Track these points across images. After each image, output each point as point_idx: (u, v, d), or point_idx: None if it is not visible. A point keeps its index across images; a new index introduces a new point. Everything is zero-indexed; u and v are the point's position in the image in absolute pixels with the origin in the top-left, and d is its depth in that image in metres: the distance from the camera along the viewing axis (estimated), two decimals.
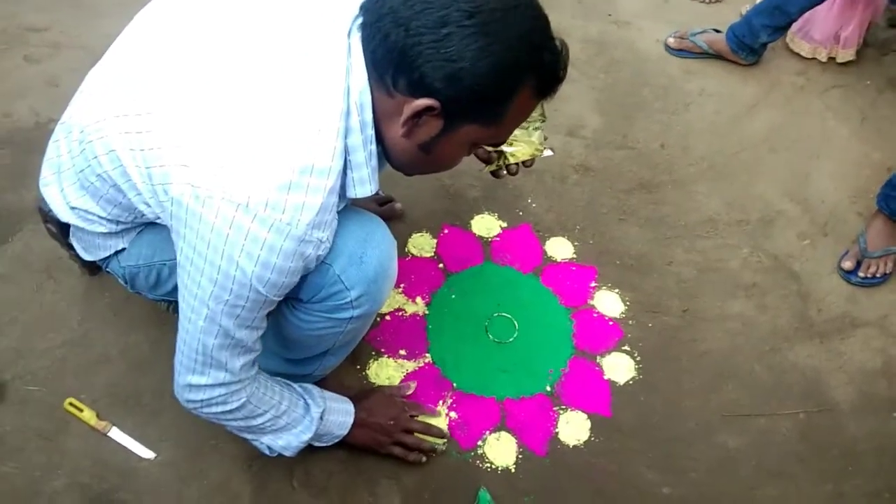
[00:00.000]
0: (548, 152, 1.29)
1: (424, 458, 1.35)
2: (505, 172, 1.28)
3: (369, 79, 0.92)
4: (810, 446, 1.45)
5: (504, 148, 1.24)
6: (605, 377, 1.51)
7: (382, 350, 1.51)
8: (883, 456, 1.44)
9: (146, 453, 1.33)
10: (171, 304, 1.34)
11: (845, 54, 2.21)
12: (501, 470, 1.37)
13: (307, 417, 1.19)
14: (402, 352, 1.51)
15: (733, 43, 2.16)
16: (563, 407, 1.46)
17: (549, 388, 1.48)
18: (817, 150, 2.01)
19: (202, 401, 1.08)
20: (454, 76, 0.87)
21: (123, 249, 1.18)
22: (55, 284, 1.54)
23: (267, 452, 1.22)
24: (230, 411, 1.09)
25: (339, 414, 1.25)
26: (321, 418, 1.20)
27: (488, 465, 1.37)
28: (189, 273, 0.97)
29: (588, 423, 1.44)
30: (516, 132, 1.25)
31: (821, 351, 1.59)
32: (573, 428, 1.43)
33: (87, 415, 1.35)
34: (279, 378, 1.20)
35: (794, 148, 2.01)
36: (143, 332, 1.48)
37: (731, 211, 1.85)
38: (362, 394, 1.37)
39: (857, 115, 2.11)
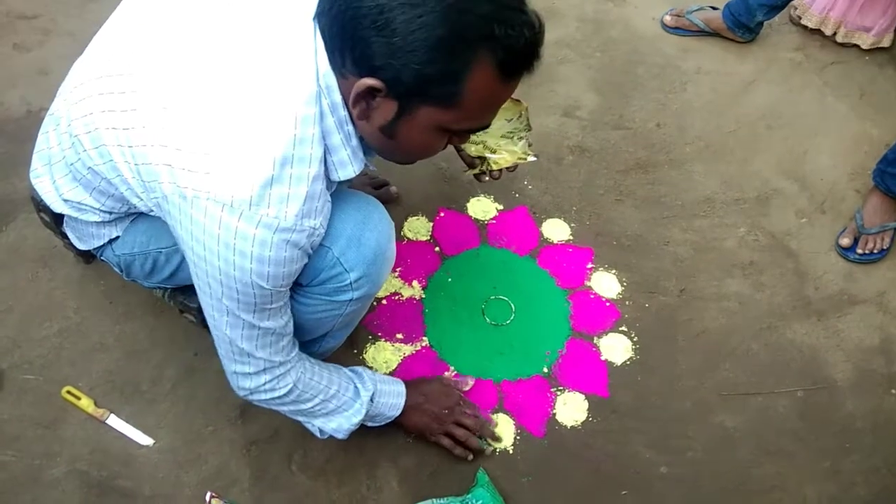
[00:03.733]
0: (531, 158, 1.29)
1: (471, 456, 1.34)
2: (487, 178, 1.29)
3: (328, 60, 0.90)
4: (808, 424, 1.45)
5: (487, 155, 1.25)
6: (603, 358, 1.51)
7: (379, 334, 1.50)
8: (880, 433, 1.44)
9: (144, 440, 1.34)
10: (166, 292, 1.34)
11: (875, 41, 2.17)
12: (499, 451, 1.37)
13: (357, 401, 1.21)
14: (399, 335, 1.51)
15: (730, 21, 2.13)
16: (561, 388, 1.46)
17: (546, 370, 1.48)
18: (815, 128, 1.99)
19: (251, 388, 1.10)
20: (390, 53, 0.83)
21: (117, 238, 1.18)
22: (50, 273, 1.53)
23: (319, 435, 1.24)
24: (279, 397, 1.12)
25: (391, 396, 1.27)
26: (371, 401, 1.22)
27: (486, 446, 1.38)
28: (197, 273, 0.98)
29: (585, 404, 1.44)
30: (500, 141, 1.26)
31: (818, 329, 1.59)
32: (571, 409, 1.43)
33: (85, 402, 1.36)
34: (329, 363, 1.21)
35: (792, 125, 2.00)
36: (140, 320, 1.48)
37: (728, 190, 1.84)
38: (421, 379, 1.38)
39: (855, 92, 2.09)
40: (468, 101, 0.87)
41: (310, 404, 1.16)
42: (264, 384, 1.10)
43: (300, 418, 1.22)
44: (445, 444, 1.34)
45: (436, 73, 0.84)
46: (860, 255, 1.69)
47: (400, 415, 1.29)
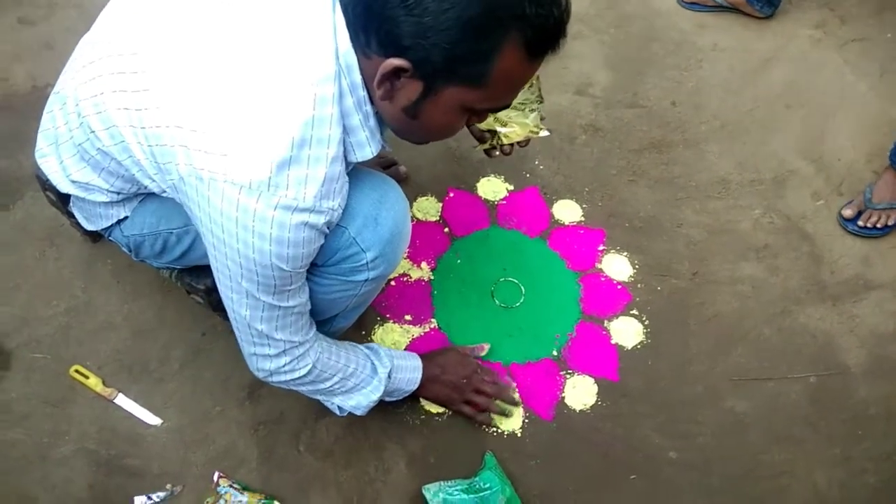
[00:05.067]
0: (544, 133, 1.25)
1: (492, 421, 1.36)
2: (498, 153, 1.26)
3: (350, 38, 0.88)
4: (819, 410, 1.43)
5: (498, 128, 1.22)
6: (613, 341, 1.49)
7: (388, 315, 1.49)
8: (893, 420, 1.43)
9: (152, 420, 1.34)
10: (173, 272, 1.33)
11: None
12: (508, 434, 1.37)
13: (375, 378, 1.21)
14: (408, 317, 1.49)
15: None
16: (570, 371, 1.45)
17: (555, 353, 1.47)
18: (834, 107, 1.95)
19: (271, 370, 1.10)
20: (420, 33, 0.81)
21: (126, 218, 1.17)
22: (57, 252, 1.53)
23: (338, 413, 1.25)
24: (298, 378, 1.12)
25: (407, 371, 1.27)
26: (389, 377, 1.22)
27: (494, 429, 1.37)
28: (215, 255, 0.97)
29: (595, 388, 1.43)
30: (511, 113, 1.22)
31: (832, 314, 1.57)
32: (580, 392, 1.42)
33: (93, 381, 1.36)
34: (344, 342, 1.22)
35: (810, 104, 1.95)
36: (147, 299, 1.48)
37: (743, 171, 1.80)
38: (436, 351, 1.38)
39: (876, 70, 2.04)
40: (495, 81, 0.86)
41: (329, 383, 1.17)
42: (284, 365, 1.10)
43: (319, 397, 1.22)
44: (467, 411, 1.35)
45: (466, 52, 0.83)
46: (860, 227, 1.66)
47: (419, 388, 1.30)
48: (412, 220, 1.62)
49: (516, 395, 1.40)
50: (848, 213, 1.68)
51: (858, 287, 1.61)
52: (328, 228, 0.98)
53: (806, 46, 2.09)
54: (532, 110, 1.24)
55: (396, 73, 0.86)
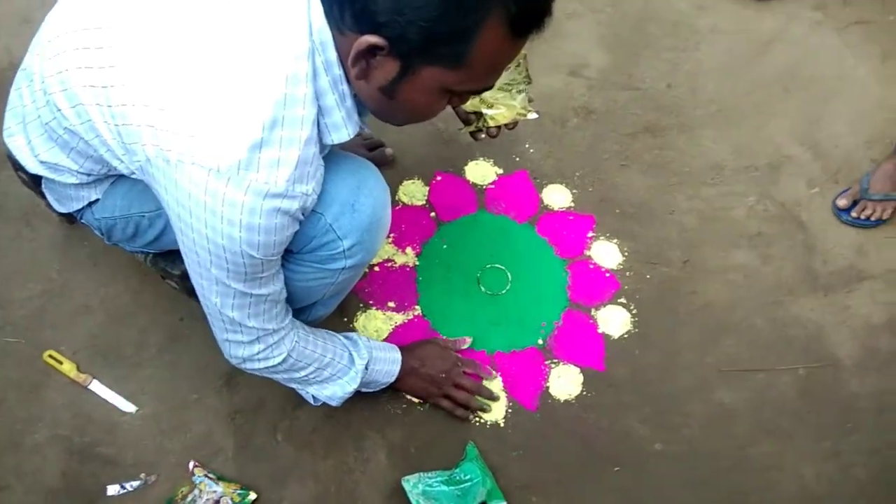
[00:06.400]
0: (532, 115, 1.20)
1: (472, 417, 1.34)
2: (484, 135, 1.21)
3: (325, 14, 0.83)
4: (809, 403, 1.41)
5: (483, 110, 1.17)
6: (600, 330, 1.46)
7: (371, 302, 1.46)
8: (884, 413, 1.40)
9: (127, 407, 1.31)
10: (148, 256, 1.30)
11: None
12: (490, 424, 1.34)
13: (352, 369, 1.19)
14: (391, 304, 1.46)
15: None
16: (556, 361, 1.42)
17: (541, 342, 1.44)
18: (833, 92, 1.90)
19: (244, 357, 1.08)
20: (396, 9, 0.76)
21: (97, 201, 1.13)
22: (33, 233, 1.49)
23: (313, 402, 1.23)
24: (272, 366, 1.10)
25: (386, 363, 1.25)
26: (366, 369, 1.20)
27: (477, 419, 1.35)
28: (184, 241, 0.94)
29: (580, 378, 1.40)
30: (497, 94, 1.18)
31: (824, 304, 1.54)
32: (565, 382, 1.40)
33: (67, 367, 1.33)
34: (323, 330, 1.19)
35: (809, 88, 1.90)
36: (124, 283, 1.44)
37: (738, 157, 1.76)
38: (417, 343, 1.36)
39: (877, 54, 1.98)
40: (475, 62, 0.82)
41: (304, 373, 1.14)
42: (258, 353, 1.07)
43: (294, 385, 1.20)
44: (445, 405, 1.33)
45: (444, 31, 0.78)
46: (855, 218, 1.63)
47: (397, 381, 1.28)
48: (397, 205, 1.59)
49: (498, 387, 1.37)
50: (842, 202, 1.64)
51: (851, 277, 1.58)
52: (302, 215, 0.94)
53: (806, 29, 2.04)
54: (519, 91, 1.20)
55: (371, 50, 0.81)
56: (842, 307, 1.53)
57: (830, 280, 1.57)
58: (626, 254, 1.57)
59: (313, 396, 1.21)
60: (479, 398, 1.35)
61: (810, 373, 1.45)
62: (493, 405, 1.36)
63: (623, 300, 1.51)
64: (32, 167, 1.09)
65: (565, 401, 1.38)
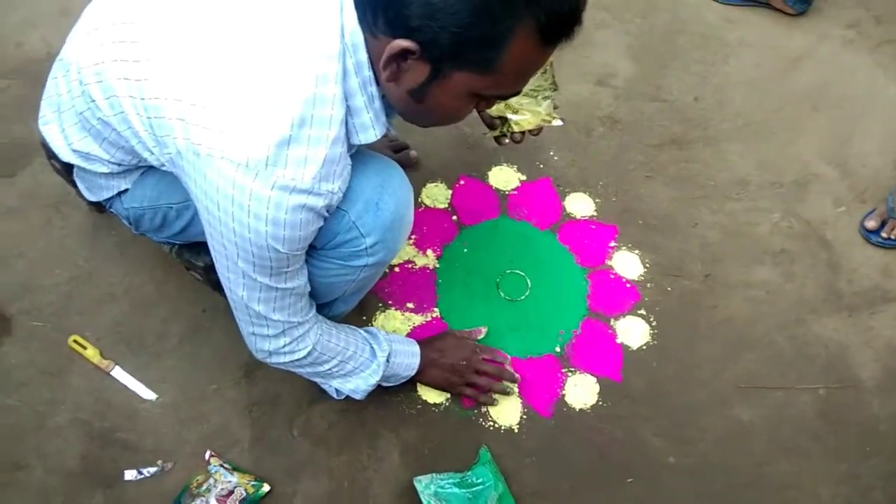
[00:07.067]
0: (557, 122, 1.21)
1: (496, 402, 1.35)
2: (508, 140, 1.22)
3: (358, 17, 0.85)
4: (828, 423, 1.39)
5: (509, 115, 1.18)
6: (618, 341, 1.46)
7: (390, 302, 1.47)
8: None
9: (148, 394, 1.33)
10: (173, 248, 1.32)
11: None
12: (504, 429, 1.34)
13: (374, 362, 1.21)
14: (410, 305, 1.47)
15: None
16: (572, 369, 1.42)
17: (558, 350, 1.44)
18: (863, 111, 1.88)
19: (269, 350, 1.09)
20: (429, 14, 0.78)
21: (127, 190, 1.16)
22: (63, 220, 1.52)
23: (335, 396, 1.25)
24: (297, 360, 1.11)
25: (405, 356, 1.26)
26: (387, 361, 1.21)
27: (491, 423, 1.35)
28: (212, 234, 0.96)
29: (597, 387, 1.40)
30: (523, 100, 1.19)
31: (848, 324, 1.52)
32: (581, 391, 1.39)
33: (91, 353, 1.35)
34: (344, 325, 1.20)
35: (839, 107, 1.88)
36: (149, 273, 1.47)
37: (764, 172, 1.75)
38: (434, 336, 1.37)
39: None
40: (505, 68, 0.83)
41: (327, 366, 1.16)
42: (283, 346, 1.08)
43: (317, 379, 1.22)
44: (469, 394, 1.34)
45: (475, 37, 0.79)
46: (884, 239, 1.60)
47: (418, 373, 1.29)
48: (420, 207, 1.60)
49: (502, 409, 1.37)
50: (871, 224, 1.62)
51: (876, 298, 1.56)
52: (328, 212, 0.96)
53: (837, 47, 2.02)
54: (545, 98, 1.20)
55: (403, 54, 0.83)
56: (865, 328, 1.51)
57: (855, 300, 1.55)
58: (647, 265, 1.57)
59: (336, 390, 1.22)
60: (501, 384, 1.35)
61: (831, 393, 1.43)
62: (508, 410, 1.36)
63: (643, 311, 1.50)
64: (65, 155, 1.11)
65: (581, 409, 1.38)
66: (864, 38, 2.04)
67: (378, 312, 1.46)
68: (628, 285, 1.53)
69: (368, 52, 0.87)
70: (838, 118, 1.86)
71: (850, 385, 1.44)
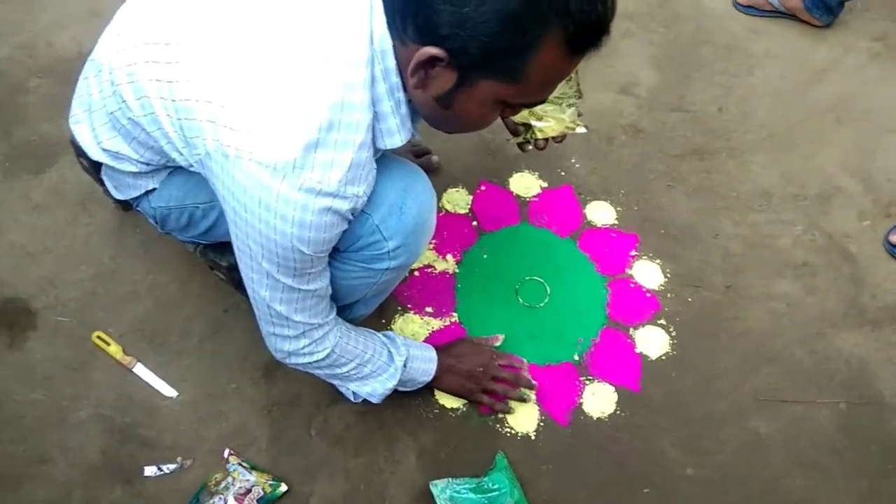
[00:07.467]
0: (581, 129, 1.21)
1: (512, 410, 1.35)
2: (531, 147, 1.22)
3: (387, 23, 0.86)
4: (848, 439, 1.38)
5: (532, 122, 1.18)
6: (637, 350, 1.45)
7: (409, 306, 1.48)
8: None
9: (169, 391, 1.35)
10: (198, 247, 1.33)
11: None
12: (521, 436, 1.35)
13: (391, 366, 1.21)
14: (429, 309, 1.48)
15: (809, 0, 1.99)
16: (591, 378, 1.41)
17: (577, 358, 1.44)
18: (889, 124, 1.86)
19: (289, 351, 1.10)
20: (458, 23, 0.78)
21: (154, 189, 1.17)
22: (89, 217, 1.54)
23: (352, 399, 1.26)
24: (316, 361, 1.12)
25: (422, 361, 1.27)
26: (405, 366, 1.22)
27: (508, 430, 1.35)
28: (237, 234, 0.97)
29: (615, 397, 1.40)
30: (547, 107, 1.19)
31: (870, 340, 1.50)
32: (599, 400, 1.39)
33: (114, 349, 1.37)
34: (362, 328, 1.21)
35: (864, 120, 1.87)
36: (173, 272, 1.49)
37: (787, 184, 1.73)
38: (451, 342, 1.38)
39: None
40: (532, 77, 0.84)
41: (345, 368, 1.16)
42: (303, 348, 1.09)
43: (335, 381, 1.22)
44: (485, 401, 1.34)
45: (504, 46, 0.80)
46: None
47: (435, 379, 1.29)
48: (440, 212, 1.61)
49: (520, 416, 1.37)
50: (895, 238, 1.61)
51: None
52: (353, 215, 0.97)
53: (863, 59, 2.01)
54: (570, 105, 1.21)
55: (431, 61, 0.84)
56: (889, 343, 1.50)
57: (878, 315, 1.53)
58: (668, 275, 1.56)
59: (354, 393, 1.23)
60: (517, 391, 1.35)
61: (851, 408, 1.41)
62: (526, 417, 1.36)
63: (663, 321, 1.49)
64: (95, 154, 1.13)
65: (598, 418, 1.37)
66: (890, 51, 2.02)
67: (397, 316, 1.46)
68: (648, 295, 1.53)
69: (396, 58, 0.88)
70: (863, 131, 1.85)
71: (871, 401, 1.42)
